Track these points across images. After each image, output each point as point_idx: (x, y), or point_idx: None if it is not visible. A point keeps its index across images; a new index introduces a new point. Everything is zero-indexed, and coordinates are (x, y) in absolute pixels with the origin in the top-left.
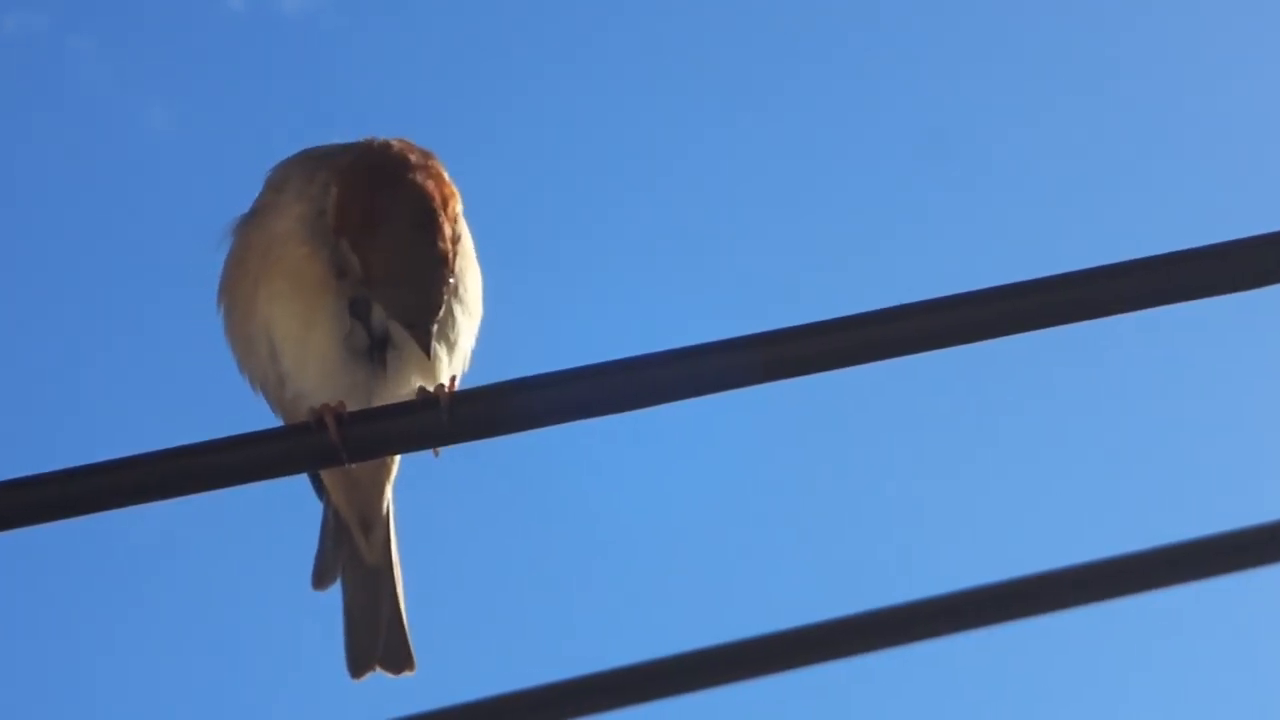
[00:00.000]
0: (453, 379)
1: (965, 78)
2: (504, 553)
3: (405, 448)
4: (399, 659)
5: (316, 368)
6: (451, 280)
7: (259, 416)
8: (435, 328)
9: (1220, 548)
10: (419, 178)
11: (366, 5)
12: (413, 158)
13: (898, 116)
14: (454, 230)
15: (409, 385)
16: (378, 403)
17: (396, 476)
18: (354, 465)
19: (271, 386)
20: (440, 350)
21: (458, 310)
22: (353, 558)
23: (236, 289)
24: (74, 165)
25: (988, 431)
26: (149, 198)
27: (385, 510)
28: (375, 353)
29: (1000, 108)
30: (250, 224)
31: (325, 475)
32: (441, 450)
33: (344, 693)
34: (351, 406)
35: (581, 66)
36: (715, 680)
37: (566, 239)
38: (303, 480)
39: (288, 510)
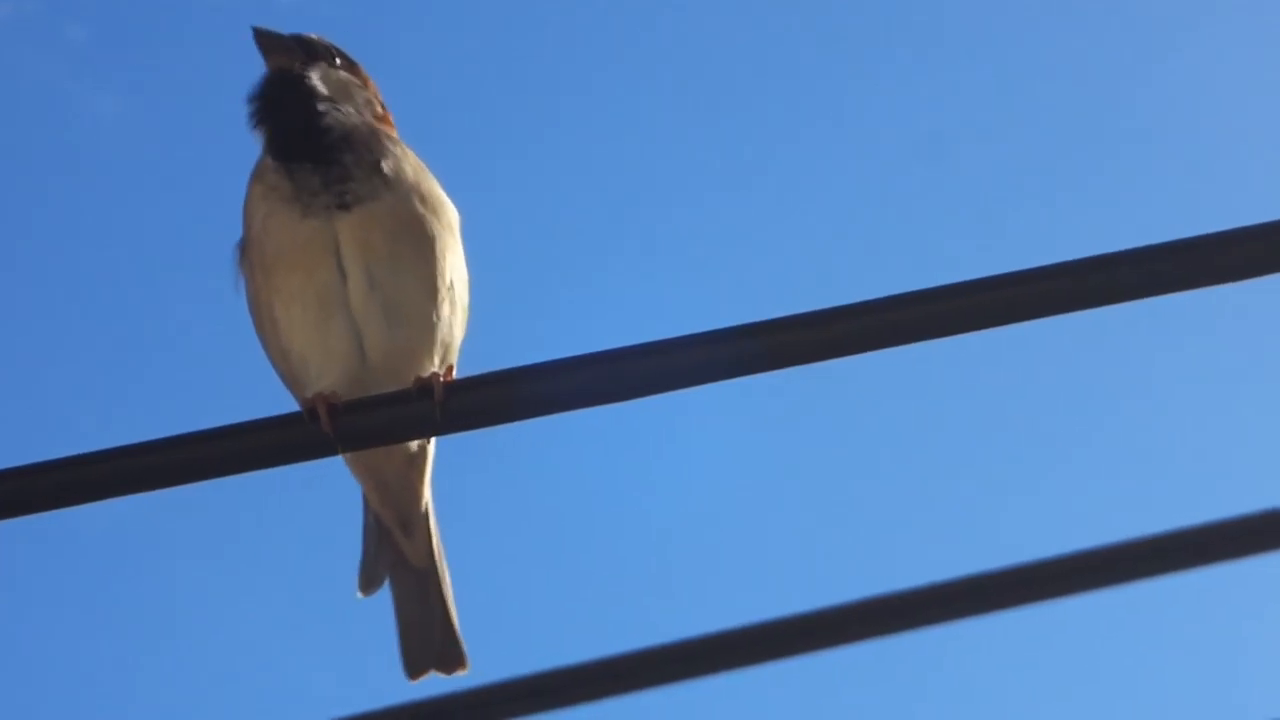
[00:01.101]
0: (448, 369)
1: (965, 78)
2: (515, 545)
3: (398, 438)
4: (451, 659)
5: (337, 363)
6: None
7: (249, 409)
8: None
9: (1212, 537)
10: None
11: None
12: None
13: (898, 116)
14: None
15: (400, 373)
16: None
17: (431, 476)
18: (346, 456)
19: (299, 388)
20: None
21: (446, 305)
22: (399, 562)
23: (262, 312)
24: (62, 162)
25: (986, 425)
26: (145, 193)
27: (424, 510)
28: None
29: (1001, 108)
30: (246, 247)
31: (357, 476)
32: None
33: (405, 694)
34: (347, 396)
35: (579, 61)
36: (736, 664)
37: (561, 231)
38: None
39: (336, 514)
